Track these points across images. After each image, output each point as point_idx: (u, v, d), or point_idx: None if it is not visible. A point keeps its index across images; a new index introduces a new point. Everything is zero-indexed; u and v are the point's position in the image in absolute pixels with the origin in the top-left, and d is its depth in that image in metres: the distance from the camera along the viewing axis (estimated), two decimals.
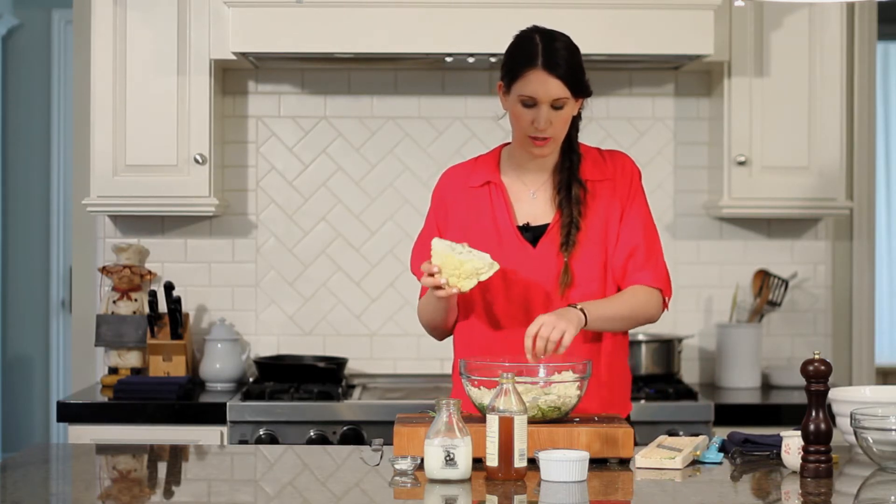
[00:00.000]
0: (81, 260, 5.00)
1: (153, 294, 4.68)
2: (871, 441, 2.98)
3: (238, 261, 4.97)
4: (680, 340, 4.82)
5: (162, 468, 3.30)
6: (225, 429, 4.41)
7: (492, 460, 2.94)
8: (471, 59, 4.67)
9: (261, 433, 4.39)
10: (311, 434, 4.38)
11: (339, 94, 4.98)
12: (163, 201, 4.68)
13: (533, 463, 2.98)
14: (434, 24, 4.46)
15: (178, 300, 4.70)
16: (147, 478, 3.20)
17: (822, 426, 2.96)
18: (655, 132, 4.97)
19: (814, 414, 2.97)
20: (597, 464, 3.06)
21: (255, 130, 4.98)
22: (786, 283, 4.91)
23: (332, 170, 4.98)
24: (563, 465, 2.89)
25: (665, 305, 3.44)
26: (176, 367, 4.74)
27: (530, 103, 3.31)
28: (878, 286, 8.16)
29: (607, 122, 4.93)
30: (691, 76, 4.97)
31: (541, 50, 3.31)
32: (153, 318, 4.72)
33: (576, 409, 3.23)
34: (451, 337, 3.54)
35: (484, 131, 4.97)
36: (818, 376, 2.98)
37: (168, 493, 3.02)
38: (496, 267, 3.23)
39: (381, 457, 3.14)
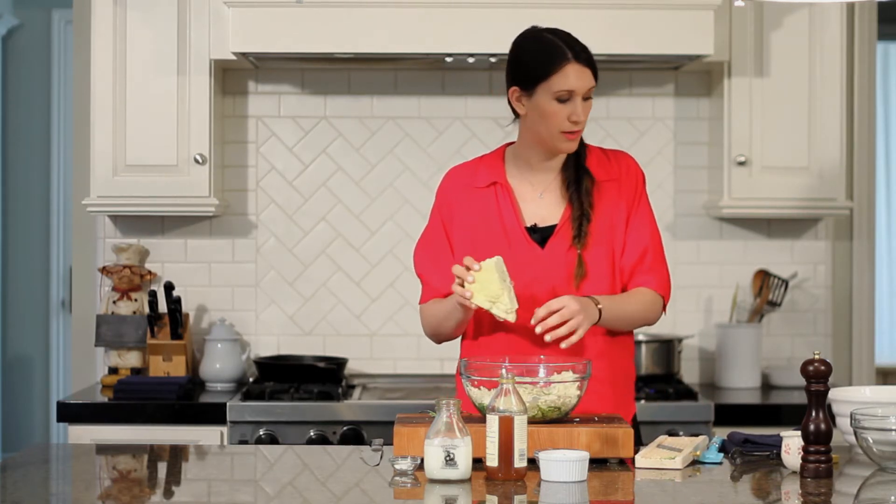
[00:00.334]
0: (81, 260, 5.00)
1: (153, 294, 4.68)
2: (871, 441, 2.97)
3: (238, 261, 4.97)
4: (680, 340, 4.82)
5: (162, 468, 3.30)
6: (225, 429, 4.41)
7: (492, 460, 2.94)
8: (471, 59, 4.67)
9: (261, 433, 4.39)
10: (311, 434, 4.38)
11: (339, 94, 4.98)
12: (163, 201, 4.68)
13: (533, 463, 2.98)
14: (434, 24, 4.46)
15: (178, 300, 4.70)
16: (147, 478, 3.20)
17: (822, 426, 2.96)
18: (655, 132, 4.97)
19: (814, 414, 2.97)
20: (597, 464, 3.06)
21: (255, 130, 4.98)
22: (786, 283, 4.91)
23: (332, 170, 4.99)
24: (563, 465, 2.89)
25: (664, 310, 3.47)
26: (176, 367, 4.74)
27: (566, 98, 3.31)
28: (878, 286, 8.16)
29: (607, 122, 4.93)
30: (691, 76, 4.97)
31: (567, 44, 3.34)
32: (153, 318, 4.72)
33: (583, 409, 3.24)
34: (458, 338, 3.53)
35: (484, 131, 4.97)
36: (818, 376, 2.98)
37: (168, 494, 3.02)
38: (511, 318, 3.22)
39: (381, 457, 3.14)
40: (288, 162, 4.98)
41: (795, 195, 4.71)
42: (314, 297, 4.97)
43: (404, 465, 2.99)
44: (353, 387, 4.77)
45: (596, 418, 3.22)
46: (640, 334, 4.77)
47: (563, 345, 3.20)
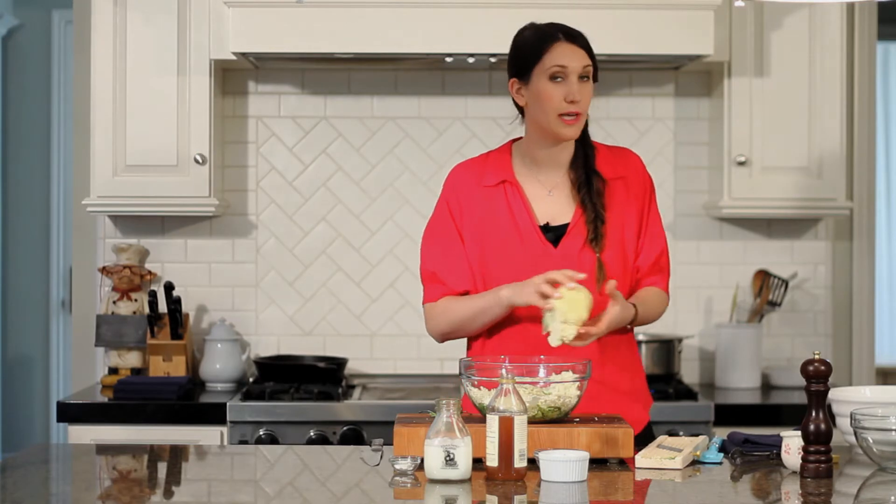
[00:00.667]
0: (81, 260, 5.00)
1: (153, 294, 4.68)
2: (871, 441, 2.97)
3: (238, 261, 4.97)
4: (680, 340, 4.82)
5: (162, 468, 3.30)
6: (225, 429, 4.41)
7: (492, 460, 2.94)
8: (471, 59, 4.67)
9: (261, 433, 4.39)
10: (311, 434, 4.38)
11: (339, 94, 4.98)
12: (163, 201, 4.68)
13: (533, 463, 2.98)
14: (434, 24, 4.46)
15: (178, 300, 4.70)
16: (147, 478, 3.20)
17: (822, 426, 2.96)
18: (655, 132, 4.97)
19: (814, 414, 2.97)
20: (597, 464, 3.06)
21: (255, 130, 4.98)
22: (786, 283, 4.91)
23: (332, 170, 4.99)
24: (563, 465, 2.89)
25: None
26: (176, 368, 4.74)
27: (560, 75, 3.32)
28: (878, 286, 8.16)
29: (607, 122, 4.93)
30: (691, 76, 4.97)
31: (557, 28, 3.38)
32: (153, 318, 4.72)
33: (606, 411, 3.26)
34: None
35: (484, 131, 4.97)
36: (818, 376, 2.98)
37: (168, 494, 3.02)
38: (555, 343, 3.22)
39: (381, 457, 3.14)
40: (288, 162, 4.98)
41: (795, 195, 4.71)
42: (314, 297, 4.97)
43: (404, 465, 2.99)
44: (353, 387, 4.77)
45: (596, 418, 3.22)
46: (640, 334, 4.77)
47: (575, 343, 3.21)
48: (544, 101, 3.33)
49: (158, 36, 4.64)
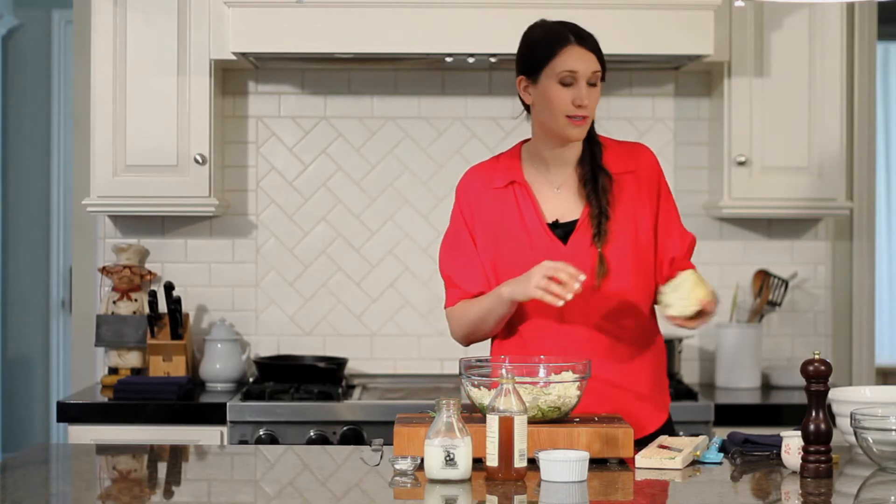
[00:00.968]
0: (81, 260, 5.00)
1: (153, 294, 4.68)
2: (871, 441, 2.97)
3: (238, 261, 4.97)
4: (680, 340, 4.82)
5: (162, 468, 3.30)
6: (225, 429, 4.41)
7: (492, 460, 2.94)
8: (471, 59, 4.67)
9: (261, 433, 4.39)
10: (311, 434, 4.38)
11: (339, 94, 4.98)
12: (163, 201, 4.68)
13: (533, 463, 2.98)
14: (434, 24, 4.46)
15: (178, 300, 4.70)
16: (147, 478, 3.20)
17: (822, 426, 2.96)
18: (655, 132, 4.97)
19: (814, 414, 2.97)
20: (597, 464, 3.06)
21: (255, 130, 4.98)
22: (786, 283, 4.91)
23: (332, 170, 4.99)
24: (563, 465, 2.89)
25: None
26: (176, 368, 4.74)
27: (569, 80, 3.31)
28: (878, 286, 8.16)
29: (607, 122, 4.93)
30: (691, 76, 4.97)
31: (568, 30, 3.36)
32: (153, 318, 4.72)
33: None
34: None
35: (484, 131, 4.97)
36: (818, 376, 2.98)
37: (168, 494, 3.02)
38: (674, 313, 3.25)
39: (381, 457, 3.14)
40: (288, 162, 4.98)
41: (795, 195, 4.71)
42: (314, 297, 4.97)
43: (404, 465, 2.99)
44: (353, 387, 4.77)
45: (596, 418, 3.22)
46: None
47: (689, 324, 3.26)
48: (552, 103, 3.34)
49: (158, 36, 4.64)
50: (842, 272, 5.07)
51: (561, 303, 3.22)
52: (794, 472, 3.04)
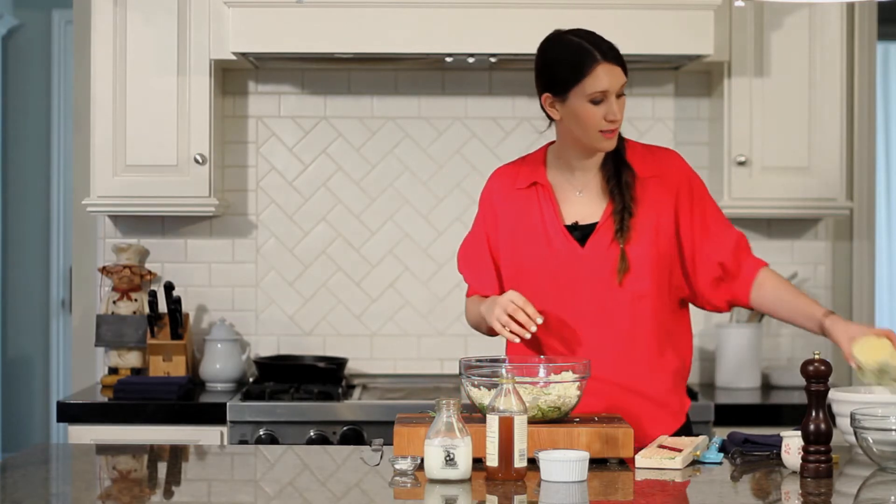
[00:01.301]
0: (81, 260, 5.00)
1: (153, 294, 4.68)
2: (871, 441, 2.98)
3: (238, 261, 4.97)
4: None
5: (162, 468, 3.30)
6: (225, 429, 4.41)
7: (492, 460, 2.94)
8: (471, 59, 4.67)
9: (261, 433, 4.39)
10: (311, 434, 4.38)
11: (339, 94, 4.98)
12: (163, 201, 4.68)
13: (533, 463, 2.98)
14: (434, 24, 4.46)
15: (178, 300, 4.70)
16: (147, 478, 3.20)
17: (822, 426, 2.96)
18: (655, 132, 4.97)
19: (814, 414, 2.97)
20: (597, 464, 3.06)
21: (255, 130, 4.98)
22: None
23: (332, 170, 4.99)
24: (563, 465, 2.89)
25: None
26: (176, 368, 4.74)
27: (601, 99, 3.30)
28: (878, 286, 8.16)
29: None
30: (691, 76, 4.97)
31: (593, 45, 3.32)
32: (153, 318, 4.72)
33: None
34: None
35: (484, 131, 4.97)
36: (818, 376, 2.98)
37: (168, 494, 3.02)
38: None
39: (381, 457, 3.14)
40: (288, 162, 4.98)
41: (795, 195, 4.71)
42: (314, 297, 4.97)
43: (404, 465, 2.99)
44: (353, 387, 4.77)
45: (596, 418, 3.22)
46: None
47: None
48: (585, 120, 3.32)
49: (158, 36, 4.64)
50: (842, 272, 5.07)
51: (518, 340, 3.26)
52: (794, 472, 3.04)
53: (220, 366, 4.76)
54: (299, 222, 4.98)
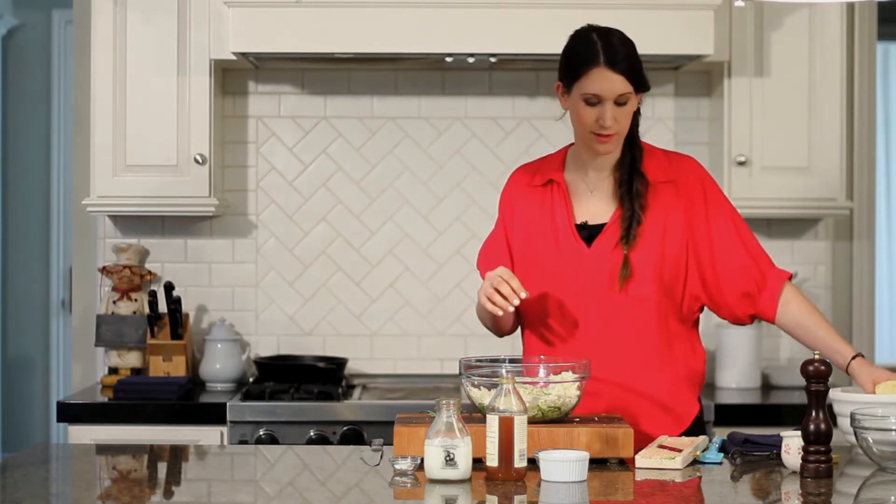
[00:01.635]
0: (81, 260, 5.00)
1: (153, 294, 4.68)
2: (871, 441, 2.98)
3: (238, 261, 4.97)
4: None
5: (162, 468, 3.30)
6: (225, 429, 4.41)
7: (492, 460, 2.94)
8: (471, 59, 4.67)
9: (261, 433, 4.39)
10: (311, 434, 4.38)
11: (339, 94, 4.98)
12: (163, 201, 4.68)
13: (533, 463, 2.98)
14: (434, 24, 4.46)
15: (178, 300, 4.70)
16: (147, 478, 3.20)
17: (822, 426, 2.96)
18: (655, 132, 4.97)
19: (814, 414, 2.97)
20: (597, 464, 3.06)
21: (255, 130, 4.98)
22: None
23: (332, 170, 4.99)
24: (563, 465, 2.89)
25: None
26: (176, 368, 4.74)
27: (594, 101, 3.30)
28: (878, 286, 8.16)
29: None
30: (691, 76, 4.97)
31: (600, 47, 3.32)
32: (153, 318, 4.72)
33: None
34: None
35: (484, 131, 4.97)
36: (818, 376, 2.98)
37: (168, 494, 3.02)
38: None
39: (381, 457, 3.14)
40: (288, 162, 4.98)
41: (795, 195, 4.71)
42: (314, 297, 4.97)
43: (404, 465, 2.99)
44: (353, 387, 4.77)
45: (596, 418, 3.22)
46: None
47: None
48: (579, 118, 3.34)
49: (158, 36, 4.64)
50: (842, 272, 5.07)
51: (500, 312, 3.24)
52: (794, 472, 3.04)
53: (220, 366, 4.76)
54: (299, 222, 4.98)
